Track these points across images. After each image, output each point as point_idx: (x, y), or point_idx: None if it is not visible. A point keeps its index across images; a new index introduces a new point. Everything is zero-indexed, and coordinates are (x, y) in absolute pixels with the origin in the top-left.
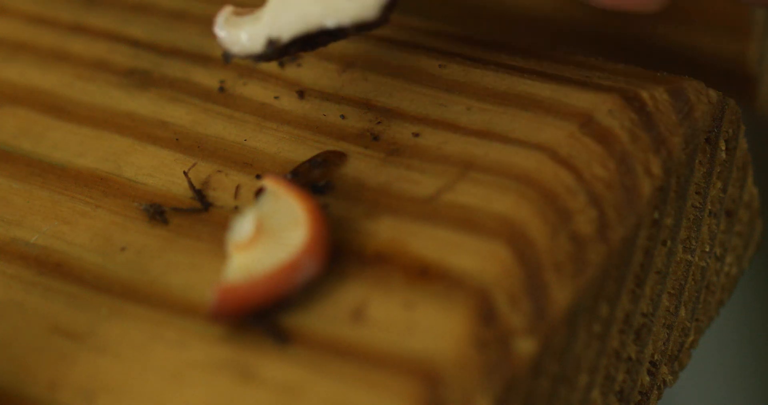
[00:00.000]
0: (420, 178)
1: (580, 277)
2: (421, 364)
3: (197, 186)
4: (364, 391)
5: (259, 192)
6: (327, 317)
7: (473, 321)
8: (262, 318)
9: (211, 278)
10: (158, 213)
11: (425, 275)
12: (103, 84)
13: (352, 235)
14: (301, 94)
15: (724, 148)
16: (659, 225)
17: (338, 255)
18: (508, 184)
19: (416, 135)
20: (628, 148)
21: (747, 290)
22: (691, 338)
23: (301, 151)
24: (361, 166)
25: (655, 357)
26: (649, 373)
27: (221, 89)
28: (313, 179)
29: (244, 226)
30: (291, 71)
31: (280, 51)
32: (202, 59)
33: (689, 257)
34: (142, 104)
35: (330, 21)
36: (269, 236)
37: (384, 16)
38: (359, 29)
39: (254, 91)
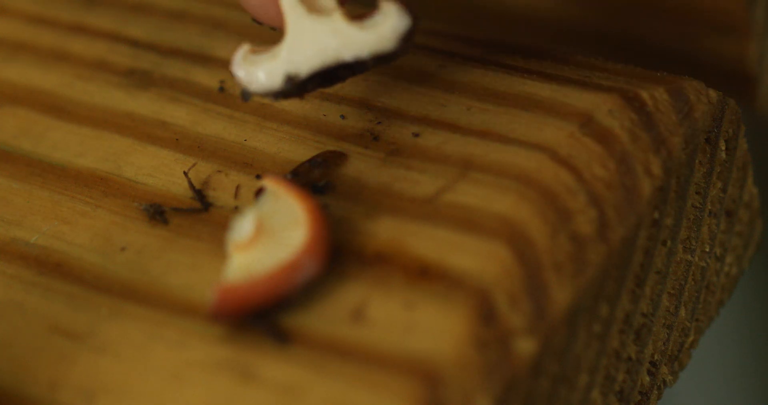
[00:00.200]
0: (420, 178)
1: (580, 277)
2: (421, 364)
3: (197, 186)
4: (364, 391)
5: (259, 192)
6: (327, 317)
7: (473, 321)
8: (262, 318)
9: (211, 278)
10: (158, 213)
11: (425, 275)
12: (103, 84)
13: (352, 235)
14: None
15: (724, 148)
16: (659, 225)
17: (338, 255)
18: (508, 184)
19: (416, 135)
20: (628, 148)
21: (747, 290)
22: (691, 338)
23: (301, 151)
24: (361, 166)
25: (655, 357)
26: (649, 373)
27: (221, 89)
28: (313, 179)
29: (244, 226)
30: None
31: (299, 87)
32: (202, 59)
33: (689, 257)
34: (142, 104)
35: (348, 54)
36: (269, 236)
37: (403, 48)
38: (378, 61)
39: None
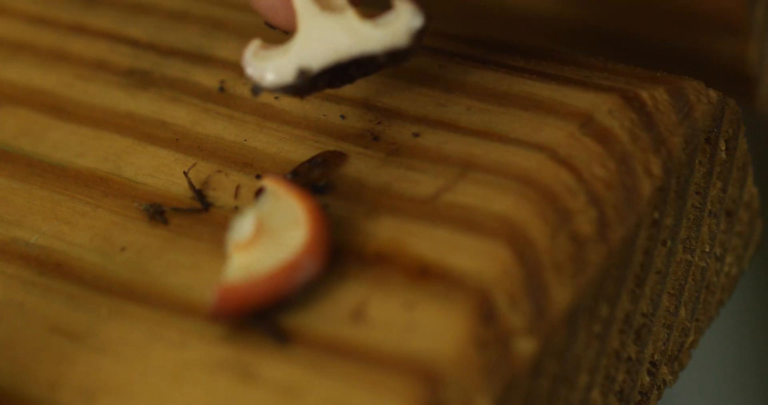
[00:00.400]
0: (420, 178)
1: (580, 277)
2: (421, 364)
3: (197, 186)
4: (364, 391)
5: (259, 192)
6: (327, 317)
7: (473, 321)
8: (262, 318)
9: (211, 278)
10: (158, 213)
11: (425, 275)
12: (103, 84)
13: (352, 235)
14: None
15: (724, 148)
16: (659, 225)
17: (338, 255)
18: (508, 184)
19: (416, 135)
20: (628, 148)
21: (747, 290)
22: (691, 338)
23: (301, 151)
24: (361, 166)
25: (655, 357)
26: (649, 373)
27: (221, 89)
28: (313, 179)
29: (244, 226)
30: None
31: (311, 82)
32: (202, 59)
33: (689, 257)
34: (142, 104)
35: (361, 51)
36: (269, 236)
37: (415, 45)
38: (391, 59)
39: None
